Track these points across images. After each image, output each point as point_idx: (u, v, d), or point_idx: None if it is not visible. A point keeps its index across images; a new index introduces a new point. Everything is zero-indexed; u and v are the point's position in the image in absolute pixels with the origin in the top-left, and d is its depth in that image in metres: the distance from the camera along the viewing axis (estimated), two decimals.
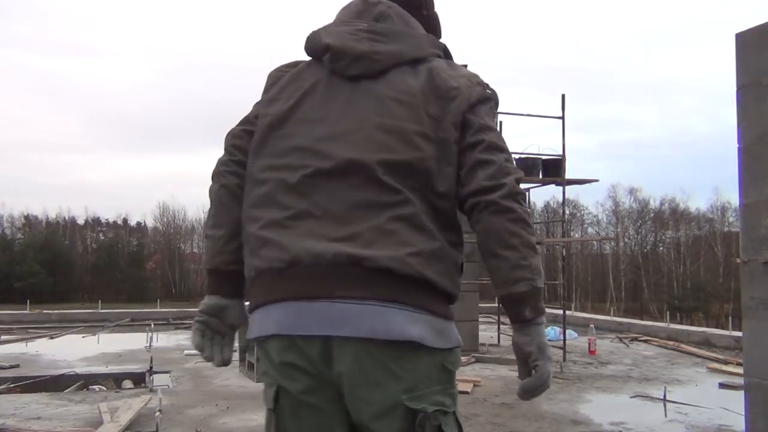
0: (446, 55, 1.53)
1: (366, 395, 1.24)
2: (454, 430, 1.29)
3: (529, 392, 1.36)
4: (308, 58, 1.51)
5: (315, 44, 1.46)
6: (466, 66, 1.60)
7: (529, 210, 1.35)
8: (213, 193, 1.47)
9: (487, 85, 1.48)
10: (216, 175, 1.48)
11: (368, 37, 1.42)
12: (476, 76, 1.49)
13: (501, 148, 1.37)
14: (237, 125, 1.51)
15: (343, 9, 1.54)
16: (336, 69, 1.41)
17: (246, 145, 1.46)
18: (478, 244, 1.37)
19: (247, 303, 1.45)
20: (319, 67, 1.45)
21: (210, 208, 1.47)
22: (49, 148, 72.21)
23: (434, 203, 1.32)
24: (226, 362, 1.47)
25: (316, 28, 1.54)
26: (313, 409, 1.28)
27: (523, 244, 1.29)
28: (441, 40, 1.57)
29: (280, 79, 1.50)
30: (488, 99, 1.44)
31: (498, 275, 1.31)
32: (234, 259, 1.41)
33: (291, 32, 77.04)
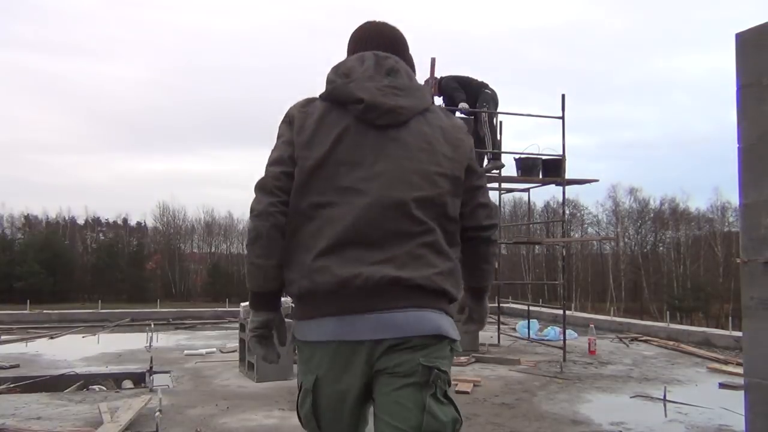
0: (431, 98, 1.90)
1: (398, 367, 1.61)
2: (454, 398, 1.67)
3: (471, 333, 2.16)
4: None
5: (346, 95, 1.71)
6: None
7: None
8: (263, 229, 1.69)
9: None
10: (265, 214, 1.69)
11: (392, 92, 1.72)
12: (465, 129, 1.85)
13: (487, 190, 1.86)
14: (274, 166, 1.73)
15: (359, 61, 1.79)
16: (366, 118, 1.69)
17: (287, 185, 1.70)
18: (464, 256, 1.81)
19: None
20: (343, 112, 1.71)
21: (258, 239, 1.70)
22: (49, 148, 72.32)
23: (446, 227, 1.71)
24: (279, 355, 1.83)
25: (332, 69, 1.80)
26: (340, 391, 1.65)
27: (495, 260, 1.92)
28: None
29: (306, 120, 1.73)
30: (473, 147, 1.87)
31: (475, 277, 1.89)
32: (280, 283, 1.73)
33: (291, 32, 77.03)
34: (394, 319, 1.60)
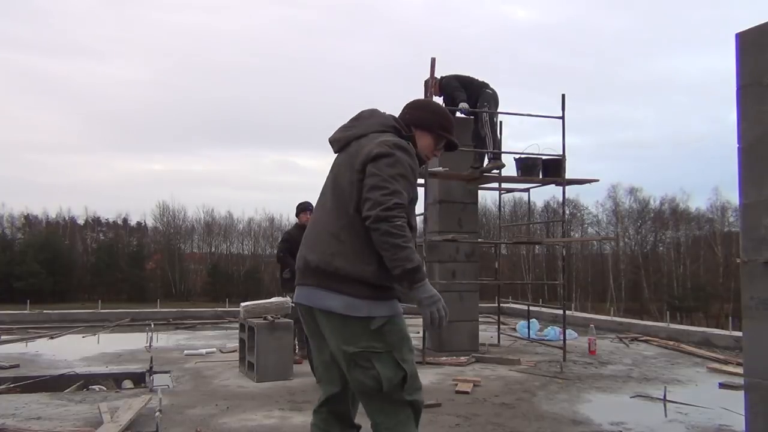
0: (395, 129, 2.47)
1: (329, 341, 2.36)
2: (387, 364, 2.25)
3: (427, 328, 2.50)
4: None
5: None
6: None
7: (399, 223, 2.18)
8: None
9: (397, 145, 2.33)
10: None
11: (342, 129, 2.55)
12: (385, 142, 2.33)
13: (378, 187, 2.22)
14: None
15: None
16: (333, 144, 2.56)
17: None
18: None
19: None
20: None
21: None
22: (49, 148, 72.30)
23: (350, 219, 2.30)
24: None
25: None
26: (313, 339, 2.47)
27: (391, 246, 2.17)
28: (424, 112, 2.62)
29: None
30: (386, 155, 2.28)
31: (387, 263, 2.22)
32: None
33: (290, 32, 77.01)
34: (307, 292, 2.40)
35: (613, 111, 72.23)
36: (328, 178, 2.50)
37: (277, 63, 78.38)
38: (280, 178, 75.66)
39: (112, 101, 70.91)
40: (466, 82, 7.68)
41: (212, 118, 73.64)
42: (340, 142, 2.49)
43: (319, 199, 2.51)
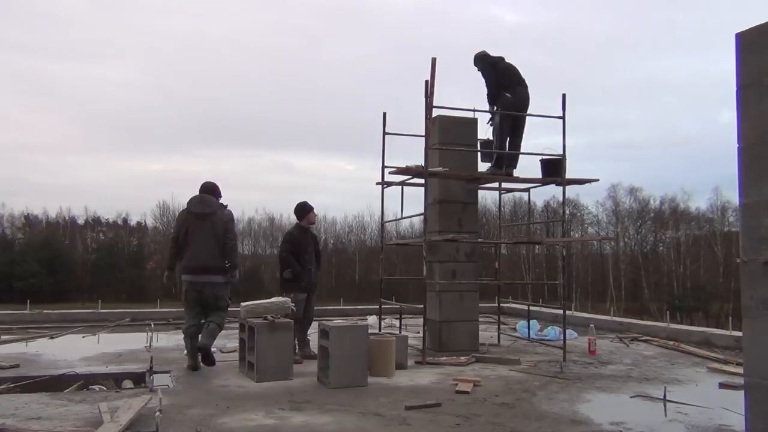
0: (222, 206, 6.68)
1: (208, 295, 6.47)
2: (226, 300, 6.64)
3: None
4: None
5: (189, 209, 6.58)
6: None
7: (236, 245, 6.77)
8: (169, 250, 6.92)
9: (231, 217, 6.75)
10: (170, 244, 6.92)
11: (201, 206, 6.52)
12: (227, 214, 6.62)
13: (231, 232, 6.57)
14: (173, 233, 6.82)
15: (193, 198, 6.62)
16: (196, 215, 6.51)
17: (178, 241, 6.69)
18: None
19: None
20: (190, 212, 6.60)
21: (168, 252, 6.99)
22: (49, 148, 72.40)
23: (219, 245, 6.46)
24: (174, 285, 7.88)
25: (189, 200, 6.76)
26: (196, 297, 6.52)
27: (234, 252, 6.67)
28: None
29: (180, 218, 6.72)
30: (230, 221, 6.62)
31: (230, 260, 6.73)
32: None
33: (288, 33, 77.02)
34: (203, 278, 6.39)
35: (602, 112, 72.36)
36: (198, 227, 6.39)
37: (272, 64, 78.56)
38: (277, 179, 75.87)
39: (111, 102, 71.20)
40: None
41: (212, 119, 73.86)
42: (204, 214, 6.39)
43: (199, 236, 6.37)
